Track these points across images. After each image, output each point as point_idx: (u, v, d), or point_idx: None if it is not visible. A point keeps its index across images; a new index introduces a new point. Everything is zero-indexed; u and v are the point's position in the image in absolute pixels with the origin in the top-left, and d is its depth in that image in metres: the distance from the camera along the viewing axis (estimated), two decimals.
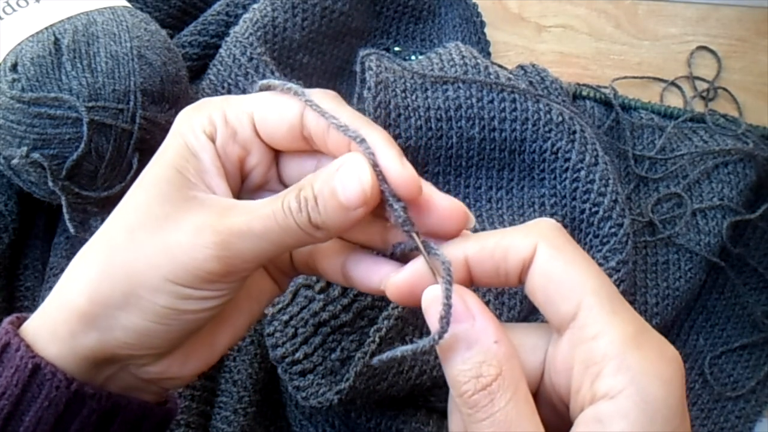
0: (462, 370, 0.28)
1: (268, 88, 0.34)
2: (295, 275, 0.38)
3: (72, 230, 0.51)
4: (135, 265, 0.30)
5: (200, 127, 0.32)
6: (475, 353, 0.28)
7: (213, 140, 0.33)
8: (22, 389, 0.30)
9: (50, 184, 0.50)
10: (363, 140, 0.30)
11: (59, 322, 0.31)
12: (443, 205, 0.32)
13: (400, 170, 0.30)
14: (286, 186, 0.36)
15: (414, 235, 0.31)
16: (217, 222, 0.30)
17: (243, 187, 0.35)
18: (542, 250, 0.29)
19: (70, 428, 0.31)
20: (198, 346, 0.34)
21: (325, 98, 0.32)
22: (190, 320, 0.32)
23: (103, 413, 0.32)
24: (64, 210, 0.51)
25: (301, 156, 0.34)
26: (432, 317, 0.29)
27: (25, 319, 0.33)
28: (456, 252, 0.30)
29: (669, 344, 0.28)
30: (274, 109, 0.33)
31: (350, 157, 0.30)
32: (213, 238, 0.30)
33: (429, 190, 0.32)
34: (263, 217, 0.30)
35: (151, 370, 0.33)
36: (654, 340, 0.28)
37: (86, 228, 0.53)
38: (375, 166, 0.30)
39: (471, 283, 0.31)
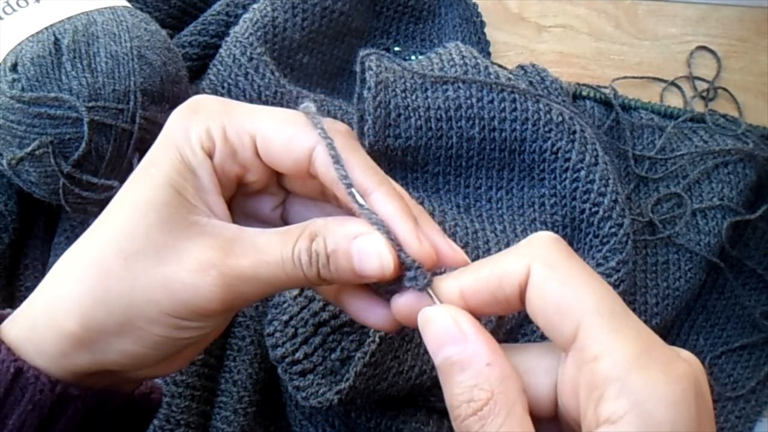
0: (455, 394, 0.27)
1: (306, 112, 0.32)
2: None
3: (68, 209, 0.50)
4: (132, 296, 0.29)
5: (198, 140, 0.31)
6: (468, 377, 0.27)
7: (210, 156, 0.31)
8: (5, 393, 0.30)
9: (57, 172, 0.49)
10: (382, 226, 0.30)
11: (48, 342, 0.30)
12: (451, 257, 0.31)
13: (416, 246, 0.30)
14: (284, 189, 0.35)
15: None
16: (222, 262, 0.29)
17: (239, 190, 0.34)
18: (536, 271, 0.27)
19: (55, 429, 0.31)
20: (187, 350, 0.34)
21: (339, 137, 0.31)
22: (185, 344, 0.31)
23: (87, 411, 0.31)
24: (62, 202, 0.51)
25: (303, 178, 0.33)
26: (427, 337, 0.28)
27: (4, 317, 0.32)
28: (451, 287, 0.29)
29: (680, 360, 0.26)
30: (280, 137, 0.31)
31: (369, 231, 0.29)
32: (217, 281, 0.29)
33: (435, 241, 0.31)
34: (272, 264, 0.29)
35: (139, 374, 0.33)
36: (661, 358, 0.26)
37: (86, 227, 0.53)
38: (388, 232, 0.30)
39: (473, 315, 0.30)
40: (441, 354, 0.28)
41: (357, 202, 0.30)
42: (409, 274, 0.30)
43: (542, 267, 0.27)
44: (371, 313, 0.33)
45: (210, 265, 0.29)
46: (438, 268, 0.31)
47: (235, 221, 0.32)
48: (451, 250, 0.32)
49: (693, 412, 0.25)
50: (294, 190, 0.35)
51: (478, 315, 0.30)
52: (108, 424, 0.33)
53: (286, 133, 0.31)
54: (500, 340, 0.29)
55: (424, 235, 0.30)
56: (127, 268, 0.29)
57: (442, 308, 0.29)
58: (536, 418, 0.29)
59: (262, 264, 0.29)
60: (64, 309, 0.30)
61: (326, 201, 0.35)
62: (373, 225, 0.30)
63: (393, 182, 0.32)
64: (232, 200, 0.34)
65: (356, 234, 0.29)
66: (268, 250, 0.29)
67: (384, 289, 0.32)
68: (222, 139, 0.31)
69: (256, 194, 0.34)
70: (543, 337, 0.52)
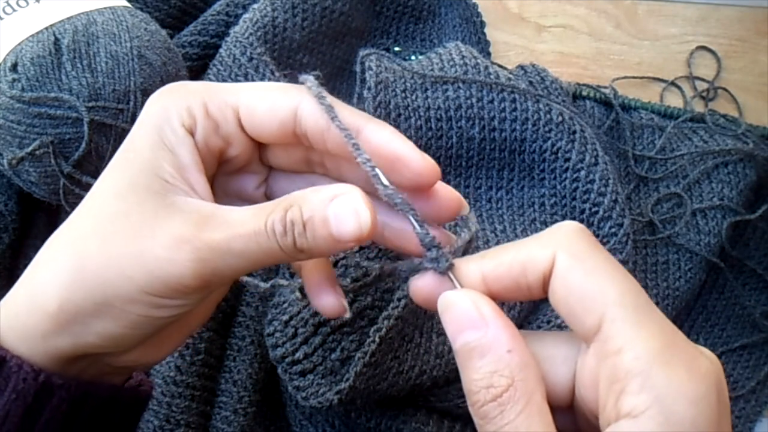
0: (474, 380, 0.27)
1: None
2: None
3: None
4: (108, 275, 0.29)
5: (178, 118, 0.31)
6: (487, 362, 0.27)
7: (192, 133, 0.31)
8: None
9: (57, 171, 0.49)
10: (368, 160, 0.29)
11: (29, 325, 0.30)
12: (441, 193, 0.32)
13: (420, 160, 0.30)
14: (265, 167, 0.35)
15: (413, 220, 0.30)
16: (195, 236, 0.29)
17: (221, 169, 0.34)
18: (561, 261, 0.27)
19: (40, 419, 0.30)
20: (169, 333, 0.34)
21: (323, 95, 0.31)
22: (164, 323, 0.31)
23: (72, 401, 0.31)
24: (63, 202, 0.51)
25: (286, 146, 0.33)
26: (447, 322, 0.28)
27: None
28: (472, 271, 0.29)
29: (703, 357, 0.26)
30: (263, 102, 0.31)
31: (347, 190, 0.28)
32: (191, 255, 0.29)
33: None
34: (244, 236, 0.29)
35: (123, 359, 0.33)
36: (684, 354, 0.25)
37: None
38: (373, 170, 0.29)
39: (494, 300, 0.29)
40: (461, 339, 0.28)
41: (352, 145, 0.29)
42: (429, 255, 0.30)
43: (567, 257, 0.27)
44: (319, 296, 0.34)
45: (183, 240, 0.29)
46: (441, 209, 0.31)
47: (218, 202, 0.32)
48: (445, 188, 0.32)
49: (714, 411, 0.25)
50: (277, 163, 0.34)
51: (499, 301, 0.29)
52: (96, 416, 0.33)
53: (268, 97, 0.31)
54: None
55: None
56: (104, 248, 0.29)
57: (462, 293, 0.29)
58: (552, 407, 0.29)
59: (235, 237, 0.29)
60: (44, 291, 0.30)
61: (311, 171, 0.34)
62: (370, 174, 0.29)
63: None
64: (215, 181, 0.34)
65: (333, 196, 0.28)
66: (242, 223, 0.29)
67: (402, 271, 0.32)
68: (204, 115, 0.31)
69: (238, 173, 0.34)
70: (555, 329, 0.52)
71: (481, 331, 0.27)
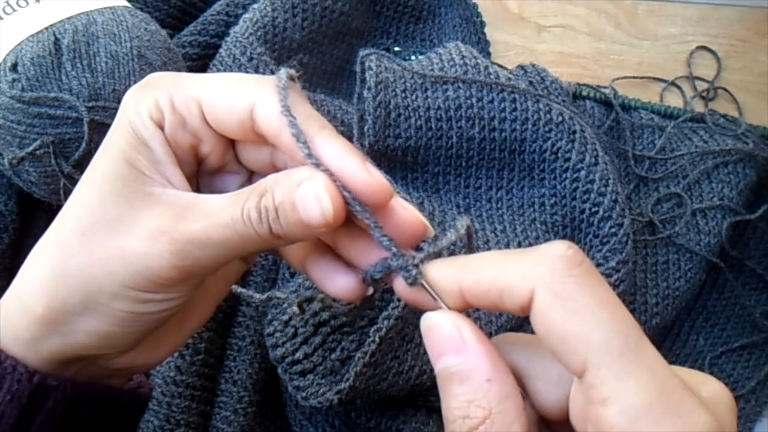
0: (451, 407, 0.26)
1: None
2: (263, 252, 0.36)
3: None
4: (90, 271, 0.29)
5: (147, 113, 0.30)
6: (465, 390, 0.26)
7: (161, 127, 0.30)
8: None
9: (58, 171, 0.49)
10: (315, 162, 0.28)
11: (20, 328, 0.30)
12: (403, 215, 0.30)
13: (366, 178, 0.28)
14: (245, 167, 0.34)
15: (381, 236, 0.29)
16: (173, 228, 0.28)
17: (200, 169, 0.33)
18: (539, 298, 0.25)
19: (35, 421, 0.30)
20: (166, 334, 0.33)
21: (277, 90, 0.30)
22: (153, 320, 0.31)
23: (68, 403, 0.31)
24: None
25: (256, 143, 0.32)
26: (428, 343, 0.27)
27: None
28: (450, 280, 0.28)
29: (699, 412, 0.23)
30: (222, 99, 0.30)
31: (311, 175, 0.28)
32: (169, 247, 0.28)
33: (395, 199, 0.30)
34: (222, 225, 0.28)
35: (119, 361, 0.32)
36: (677, 409, 0.23)
37: None
38: (332, 176, 0.28)
39: (470, 307, 0.28)
40: (441, 362, 0.27)
41: (304, 153, 0.28)
42: (394, 264, 0.28)
43: (546, 294, 0.25)
44: (333, 281, 0.32)
45: (160, 232, 0.28)
46: (401, 229, 0.29)
47: None
48: (404, 209, 0.30)
49: None
50: (249, 164, 0.34)
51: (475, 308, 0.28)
52: (93, 418, 0.32)
53: (227, 92, 0.30)
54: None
55: (374, 171, 0.29)
56: (85, 243, 0.29)
57: (444, 314, 0.27)
58: (547, 420, 0.28)
59: (212, 226, 0.28)
60: (30, 292, 0.30)
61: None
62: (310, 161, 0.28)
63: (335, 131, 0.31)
64: (199, 180, 0.34)
65: (300, 180, 0.28)
66: (219, 212, 0.29)
67: (372, 275, 0.31)
68: (170, 110, 0.30)
69: (219, 173, 0.34)
70: None
71: (461, 357, 0.26)
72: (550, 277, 0.25)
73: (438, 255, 0.29)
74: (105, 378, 0.33)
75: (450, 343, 0.26)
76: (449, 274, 0.28)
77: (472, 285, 0.27)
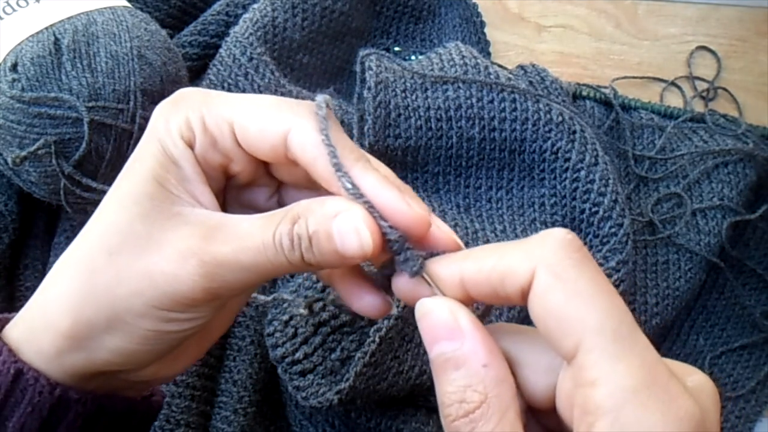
0: (447, 392, 0.26)
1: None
2: None
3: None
4: (117, 291, 0.29)
5: (178, 131, 0.30)
6: (461, 376, 0.26)
7: (192, 147, 0.30)
8: (5, 395, 0.30)
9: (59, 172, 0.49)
10: (361, 196, 0.28)
11: (44, 342, 0.30)
12: (440, 237, 0.30)
13: (406, 211, 0.28)
14: (276, 180, 0.34)
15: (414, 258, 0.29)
16: (202, 249, 0.28)
17: (230, 182, 0.33)
18: (540, 278, 0.25)
19: None
20: (187, 348, 0.34)
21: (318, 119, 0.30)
22: (177, 338, 0.31)
23: (88, 415, 0.31)
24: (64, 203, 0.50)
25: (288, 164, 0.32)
26: (423, 329, 0.27)
27: (8, 320, 0.32)
28: (451, 271, 0.28)
29: (684, 397, 0.24)
30: (255, 123, 0.30)
31: (349, 207, 0.28)
32: (198, 270, 0.28)
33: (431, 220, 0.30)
34: (253, 249, 0.28)
35: (140, 374, 0.32)
36: (663, 394, 0.23)
37: None
38: (371, 207, 0.28)
39: (471, 301, 0.28)
40: (436, 348, 0.27)
41: (344, 186, 0.28)
42: (399, 258, 0.29)
43: (547, 274, 0.25)
44: (360, 299, 0.32)
45: (190, 253, 0.28)
46: (435, 249, 0.30)
47: (231, 213, 0.31)
48: (440, 230, 0.30)
49: None
50: (283, 179, 0.34)
51: (476, 302, 0.28)
52: (109, 429, 0.33)
53: (261, 117, 0.30)
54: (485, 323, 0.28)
55: (413, 202, 0.29)
56: (112, 263, 0.29)
57: (440, 300, 0.28)
58: (535, 409, 0.28)
59: (243, 250, 0.28)
60: (56, 308, 0.30)
61: (315, 188, 0.33)
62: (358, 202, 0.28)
63: (374, 159, 0.31)
64: (227, 193, 0.34)
65: (336, 212, 0.28)
66: (250, 236, 0.28)
67: (380, 272, 0.31)
68: (201, 129, 0.30)
69: (248, 186, 0.34)
70: None
71: (457, 343, 0.26)
72: (551, 259, 0.25)
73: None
74: (124, 390, 0.34)
75: (446, 329, 0.27)
76: (451, 264, 0.28)
77: (474, 273, 0.27)
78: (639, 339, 0.25)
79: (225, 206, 0.34)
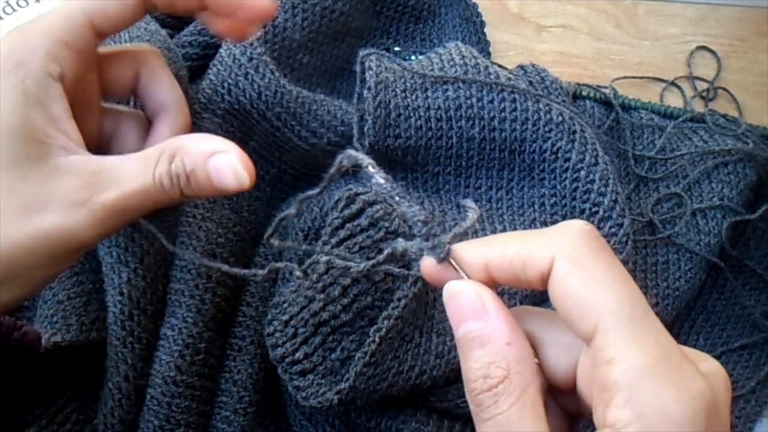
0: (472, 368, 0.28)
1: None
2: None
3: None
4: (11, 253, 0.30)
5: (42, 68, 0.31)
6: (486, 353, 0.28)
7: (62, 78, 0.31)
8: None
9: None
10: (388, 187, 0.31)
11: None
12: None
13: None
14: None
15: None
16: (89, 200, 0.30)
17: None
18: (559, 266, 0.27)
19: None
20: None
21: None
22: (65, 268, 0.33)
23: None
24: None
25: (119, 62, 0.35)
26: (450, 310, 0.29)
27: None
28: (476, 256, 0.30)
29: (697, 378, 0.25)
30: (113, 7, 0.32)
31: (225, 148, 0.31)
32: (89, 219, 0.30)
33: None
34: (137, 192, 0.31)
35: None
36: (677, 372, 0.25)
37: None
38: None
39: (494, 284, 0.30)
40: (463, 328, 0.28)
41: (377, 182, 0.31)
42: (427, 245, 0.30)
43: (565, 262, 0.27)
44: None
45: (78, 204, 0.30)
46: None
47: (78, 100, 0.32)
48: None
49: None
50: (111, 84, 0.37)
51: (500, 286, 0.30)
52: None
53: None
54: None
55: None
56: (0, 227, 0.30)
57: (467, 283, 0.29)
58: (556, 388, 0.30)
59: (128, 194, 0.31)
60: None
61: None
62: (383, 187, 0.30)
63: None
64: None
65: (212, 151, 0.31)
66: (132, 179, 0.31)
67: (412, 252, 0.33)
68: (72, 53, 0.32)
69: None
70: None
71: (482, 322, 0.28)
72: (570, 247, 0.27)
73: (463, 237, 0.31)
74: None
75: (472, 309, 0.28)
76: (476, 249, 0.30)
77: (497, 257, 0.29)
78: (653, 321, 0.26)
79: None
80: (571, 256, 0.27)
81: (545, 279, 0.28)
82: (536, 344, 0.30)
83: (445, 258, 0.30)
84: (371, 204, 0.48)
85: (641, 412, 0.24)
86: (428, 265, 0.31)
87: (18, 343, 0.36)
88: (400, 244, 0.33)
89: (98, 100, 0.37)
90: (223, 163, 0.31)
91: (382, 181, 0.30)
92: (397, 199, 0.31)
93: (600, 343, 0.26)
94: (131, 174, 0.31)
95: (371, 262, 0.36)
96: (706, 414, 0.24)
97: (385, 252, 0.35)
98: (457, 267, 0.30)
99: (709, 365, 0.27)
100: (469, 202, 0.34)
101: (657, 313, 0.59)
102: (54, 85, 0.31)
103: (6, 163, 0.30)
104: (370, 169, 0.30)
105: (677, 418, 0.24)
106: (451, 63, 0.57)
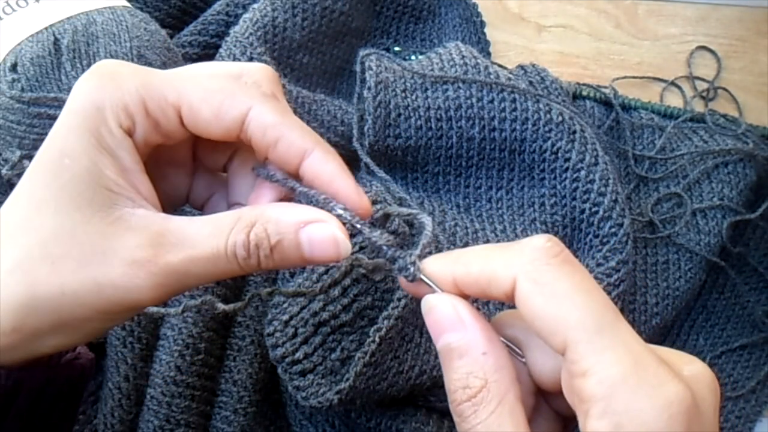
0: (453, 379, 0.28)
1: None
2: None
3: None
4: (62, 301, 0.28)
5: (115, 120, 0.29)
6: (464, 363, 0.28)
7: (131, 134, 0.30)
8: None
9: None
10: (339, 209, 0.31)
11: None
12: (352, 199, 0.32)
13: (356, 201, 0.31)
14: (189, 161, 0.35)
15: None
16: (151, 261, 0.28)
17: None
18: (521, 285, 0.27)
19: None
20: None
21: (270, 102, 0.31)
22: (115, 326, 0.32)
23: (5, 393, 0.30)
24: None
25: (213, 147, 0.34)
26: (429, 323, 0.30)
27: None
28: (445, 272, 0.30)
29: (673, 383, 0.25)
30: (208, 107, 0.30)
31: (323, 218, 0.30)
32: (148, 282, 0.28)
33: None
34: (203, 259, 0.28)
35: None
36: (652, 380, 0.25)
37: None
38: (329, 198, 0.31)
39: (466, 296, 0.30)
40: (442, 340, 0.29)
41: (319, 197, 0.31)
42: (395, 267, 0.31)
43: (526, 281, 0.27)
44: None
45: (138, 265, 0.28)
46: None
47: (152, 169, 0.31)
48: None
49: None
50: (204, 160, 0.35)
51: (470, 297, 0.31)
52: (33, 402, 0.32)
53: (214, 102, 0.30)
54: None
55: (362, 191, 0.32)
56: (55, 273, 0.28)
57: (443, 297, 0.30)
58: (545, 393, 0.30)
59: (193, 260, 0.29)
60: None
61: (218, 174, 0.35)
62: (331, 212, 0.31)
63: (324, 142, 0.33)
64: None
65: (305, 221, 0.30)
66: (199, 244, 0.29)
67: (381, 268, 0.34)
68: (143, 115, 0.30)
69: (167, 162, 0.34)
70: None
71: (459, 333, 0.28)
72: (529, 267, 0.27)
73: (430, 251, 0.32)
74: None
75: (448, 322, 0.29)
76: (443, 267, 0.30)
77: (463, 275, 0.29)
78: (622, 329, 0.26)
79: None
80: (531, 275, 0.27)
81: (510, 297, 0.28)
82: (523, 348, 0.30)
83: (414, 279, 0.31)
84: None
85: (618, 422, 0.24)
86: (404, 282, 0.32)
87: (68, 368, 0.34)
88: (367, 262, 0.34)
89: (189, 166, 0.35)
90: (322, 233, 0.29)
91: (340, 211, 0.31)
92: (358, 226, 0.31)
93: (572, 357, 0.26)
94: (198, 238, 0.29)
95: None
96: (686, 418, 0.24)
97: (351, 272, 0.36)
98: (429, 283, 0.30)
99: (694, 368, 0.27)
100: (422, 216, 0.35)
101: (657, 313, 0.60)
102: (126, 139, 0.30)
103: (70, 205, 0.28)
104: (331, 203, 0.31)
105: (653, 426, 0.24)
106: (451, 63, 0.57)
